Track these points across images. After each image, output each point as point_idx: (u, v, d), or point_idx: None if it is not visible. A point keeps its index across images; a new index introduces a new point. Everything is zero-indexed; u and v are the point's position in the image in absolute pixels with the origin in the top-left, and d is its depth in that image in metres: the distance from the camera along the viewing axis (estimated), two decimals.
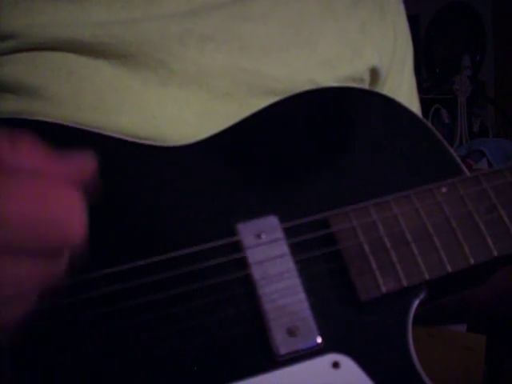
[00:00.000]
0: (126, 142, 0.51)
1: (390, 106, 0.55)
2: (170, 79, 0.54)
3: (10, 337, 0.36)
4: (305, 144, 0.53)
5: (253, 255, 0.46)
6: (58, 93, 0.52)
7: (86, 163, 0.38)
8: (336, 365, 0.43)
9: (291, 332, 0.44)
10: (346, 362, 0.43)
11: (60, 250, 0.36)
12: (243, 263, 0.46)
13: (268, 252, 0.46)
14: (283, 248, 0.46)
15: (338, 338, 0.44)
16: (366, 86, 0.63)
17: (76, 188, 0.36)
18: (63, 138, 0.51)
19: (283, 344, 0.43)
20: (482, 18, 2.76)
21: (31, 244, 0.34)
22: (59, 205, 0.35)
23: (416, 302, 0.46)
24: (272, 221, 0.48)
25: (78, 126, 0.51)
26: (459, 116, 2.46)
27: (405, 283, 0.46)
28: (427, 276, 0.46)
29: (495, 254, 0.47)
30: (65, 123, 0.51)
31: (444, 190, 0.49)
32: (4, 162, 0.34)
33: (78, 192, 0.36)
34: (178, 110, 0.54)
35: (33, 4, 0.52)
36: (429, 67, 2.86)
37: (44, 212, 0.34)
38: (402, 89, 0.69)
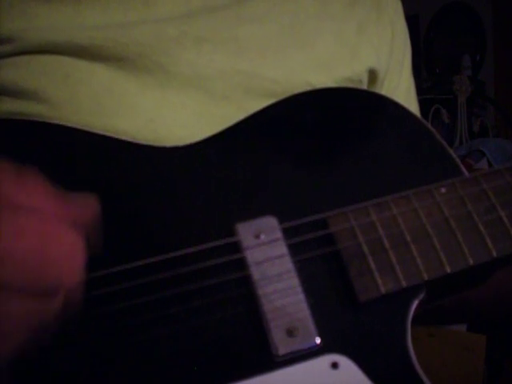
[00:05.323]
0: (123, 142, 0.51)
1: (389, 106, 0.55)
2: (166, 82, 0.54)
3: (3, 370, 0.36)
4: (303, 145, 0.53)
5: (252, 255, 0.46)
6: (55, 96, 0.52)
7: (89, 207, 0.38)
8: (335, 365, 0.43)
9: (290, 332, 0.44)
10: (344, 362, 0.43)
11: (55, 291, 0.36)
12: (242, 263, 0.46)
13: (267, 252, 0.46)
14: (282, 248, 0.46)
15: (337, 339, 0.44)
16: (363, 87, 0.63)
17: (77, 231, 0.36)
18: (61, 138, 0.51)
19: (282, 344, 0.43)
20: (482, 18, 2.76)
21: (26, 282, 0.34)
22: (59, 246, 0.35)
23: (415, 303, 0.46)
24: (271, 221, 0.47)
25: (76, 127, 0.51)
26: (459, 116, 2.46)
27: (404, 284, 0.46)
28: (426, 276, 0.46)
29: (494, 254, 0.47)
30: (62, 123, 0.51)
31: (443, 190, 0.49)
32: (8, 197, 0.34)
33: (79, 235, 0.36)
34: (175, 113, 0.54)
35: (29, 8, 0.52)
36: (429, 67, 2.86)
37: (43, 252, 0.34)
38: (400, 89, 0.69)
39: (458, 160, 0.52)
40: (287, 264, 0.46)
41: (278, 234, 0.47)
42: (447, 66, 2.77)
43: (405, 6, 0.71)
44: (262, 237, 0.47)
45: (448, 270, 0.46)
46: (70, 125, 0.51)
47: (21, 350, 0.35)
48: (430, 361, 1.42)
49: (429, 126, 0.54)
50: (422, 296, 0.46)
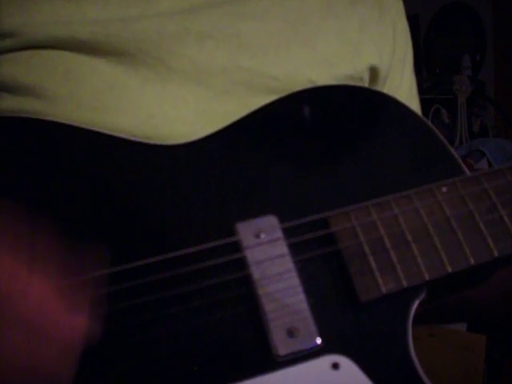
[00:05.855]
0: (123, 140, 0.51)
1: (390, 104, 0.55)
2: (168, 77, 0.54)
3: None
4: (304, 143, 0.52)
5: (252, 255, 0.46)
6: (55, 92, 0.51)
7: (98, 260, 0.39)
8: (336, 366, 0.43)
9: (291, 333, 0.43)
10: (345, 362, 0.43)
11: (49, 344, 0.36)
12: (242, 263, 0.46)
13: (267, 252, 0.46)
14: (283, 248, 0.46)
15: (338, 339, 0.44)
16: (365, 85, 0.63)
17: (83, 285, 0.38)
18: (60, 136, 0.50)
19: (283, 345, 0.43)
20: (482, 18, 2.76)
21: (24, 325, 0.35)
22: (59, 300, 0.36)
23: (416, 303, 0.46)
24: (271, 220, 0.47)
25: (75, 124, 0.50)
26: (459, 116, 2.45)
27: (405, 284, 0.45)
28: (427, 276, 0.46)
29: (496, 254, 0.47)
30: (62, 121, 0.50)
31: (444, 189, 0.49)
32: (15, 241, 0.35)
33: (84, 289, 0.37)
34: (177, 109, 0.54)
35: (30, 2, 0.52)
36: (429, 67, 2.86)
37: (41, 304, 0.35)
38: (402, 88, 0.69)
39: (459, 159, 0.52)
40: (288, 264, 0.46)
41: (279, 234, 0.47)
42: (447, 65, 2.76)
43: (405, 6, 0.70)
44: (263, 236, 0.46)
45: (449, 269, 0.46)
46: (69, 122, 0.51)
47: None
48: (430, 361, 1.42)
49: (430, 124, 0.53)
50: (422, 296, 0.46)
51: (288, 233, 0.47)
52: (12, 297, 0.34)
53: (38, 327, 0.35)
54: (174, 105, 0.54)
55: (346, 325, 0.45)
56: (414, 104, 0.71)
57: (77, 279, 0.37)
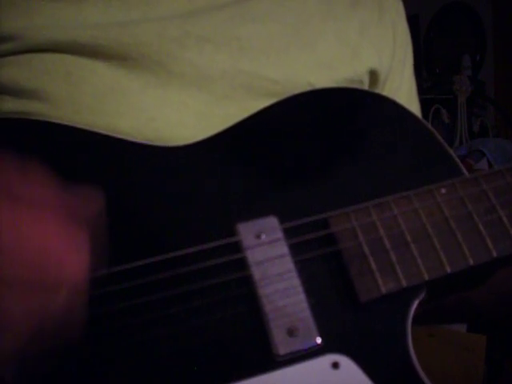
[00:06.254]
0: (125, 141, 0.51)
1: (389, 107, 0.55)
2: (168, 81, 0.54)
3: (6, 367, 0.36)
4: (304, 145, 0.53)
5: (252, 255, 0.46)
6: (56, 95, 0.52)
7: (93, 200, 0.37)
8: (335, 365, 0.43)
9: (291, 332, 0.44)
10: (345, 362, 0.43)
11: (56, 287, 0.35)
12: (243, 263, 0.46)
13: (268, 252, 0.46)
14: (283, 248, 0.46)
15: (338, 339, 0.44)
16: (365, 87, 0.63)
17: (80, 225, 0.36)
18: (62, 137, 0.51)
19: (283, 344, 0.43)
20: (482, 18, 2.76)
21: (25, 277, 0.34)
22: (60, 240, 0.35)
23: (415, 303, 0.46)
24: (272, 221, 0.48)
25: (77, 126, 0.51)
26: (459, 116, 2.45)
27: (404, 284, 0.46)
28: (427, 277, 0.46)
29: (494, 254, 0.47)
30: (63, 123, 0.51)
31: (444, 190, 0.49)
32: (9, 187, 0.34)
33: (82, 229, 0.36)
34: (177, 112, 0.54)
35: (30, 6, 0.52)
36: (429, 67, 2.86)
37: (43, 246, 0.34)
38: (402, 90, 0.69)
39: (458, 160, 0.52)
40: (288, 264, 0.46)
41: (279, 234, 0.47)
42: (447, 65, 2.76)
43: (405, 6, 0.71)
44: (263, 237, 0.47)
45: (448, 270, 0.46)
46: (70, 124, 0.51)
47: (22, 348, 0.35)
48: (430, 361, 1.42)
49: (429, 126, 0.54)
50: (422, 296, 0.46)
51: (288, 233, 0.47)
52: (13, 241, 0.34)
53: (42, 269, 0.34)
54: (174, 108, 0.54)
55: (345, 324, 0.45)
56: (413, 105, 0.71)
57: (76, 218, 0.36)
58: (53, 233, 0.34)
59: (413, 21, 2.76)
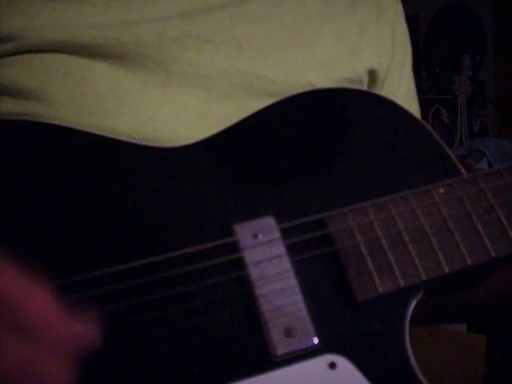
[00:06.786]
0: (123, 142, 0.51)
1: (387, 107, 0.55)
2: (167, 81, 0.54)
3: None
4: (302, 145, 0.53)
5: (250, 255, 0.46)
6: (56, 95, 0.52)
7: (89, 329, 0.38)
8: (333, 365, 0.43)
9: (288, 332, 0.44)
10: (342, 362, 0.43)
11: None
12: (240, 264, 0.46)
13: (265, 252, 0.46)
14: (280, 248, 0.46)
15: (335, 339, 0.44)
16: (364, 87, 0.63)
17: (72, 362, 0.37)
18: (60, 138, 0.51)
19: (280, 344, 0.43)
20: (482, 18, 2.76)
21: None
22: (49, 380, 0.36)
23: (413, 303, 0.46)
24: (269, 221, 0.48)
25: (75, 127, 0.51)
26: (459, 116, 2.45)
27: (402, 284, 0.46)
28: (424, 277, 0.46)
29: (493, 254, 0.47)
30: (63, 124, 0.51)
31: (441, 190, 0.49)
32: (10, 315, 0.35)
33: (72, 367, 0.37)
34: (176, 112, 0.54)
35: (30, 6, 0.52)
36: (429, 67, 2.86)
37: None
38: (401, 90, 0.69)
39: (456, 160, 0.52)
40: (285, 264, 0.46)
41: (276, 234, 0.47)
42: (447, 65, 2.77)
43: (405, 6, 0.71)
44: (260, 237, 0.47)
45: (446, 269, 0.46)
46: (68, 125, 0.51)
47: None
48: (430, 361, 1.42)
49: (427, 126, 0.54)
50: (419, 296, 0.46)
51: (286, 233, 0.47)
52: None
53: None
54: (173, 108, 0.54)
55: (343, 324, 0.45)
56: (412, 105, 0.71)
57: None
58: (42, 370, 0.36)
59: (413, 21, 2.76)
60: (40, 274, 0.37)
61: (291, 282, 0.45)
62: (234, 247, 0.47)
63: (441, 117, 2.48)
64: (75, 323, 0.38)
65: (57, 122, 0.51)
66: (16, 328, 0.35)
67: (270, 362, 0.43)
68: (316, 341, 0.44)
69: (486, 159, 2.09)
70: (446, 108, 2.49)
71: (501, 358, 1.74)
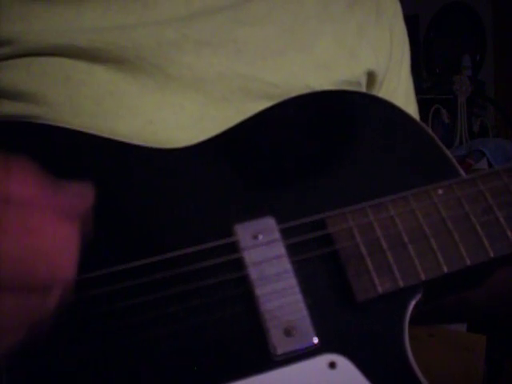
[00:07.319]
0: (123, 143, 0.51)
1: (386, 109, 0.55)
2: (166, 84, 0.54)
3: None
4: (301, 146, 0.53)
5: (250, 256, 0.46)
6: (55, 98, 0.52)
7: (83, 195, 0.37)
8: (332, 365, 0.44)
9: (288, 332, 0.44)
10: (342, 362, 0.44)
11: (48, 286, 0.35)
12: (240, 264, 0.46)
13: (265, 253, 0.46)
14: (280, 249, 0.47)
15: (335, 339, 0.45)
16: (362, 89, 0.63)
17: (69, 222, 0.36)
18: (60, 139, 0.51)
19: (280, 344, 0.43)
20: (482, 18, 2.76)
21: (18, 279, 0.34)
22: (49, 239, 0.34)
23: (412, 303, 0.46)
24: (269, 222, 0.48)
25: (75, 128, 0.51)
26: (459, 116, 2.46)
27: (401, 284, 0.46)
28: (423, 277, 0.46)
29: (491, 254, 0.47)
30: (62, 125, 0.51)
31: (440, 191, 0.49)
32: None
33: (72, 226, 0.36)
34: (175, 115, 0.54)
35: (29, 10, 0.52)
36: (429, 67, 2.86)
37: (32, 247, 0.34)
38: (399, 91, 0.69)
39: (455, 161, 0.52)
40: (285, 264, 0.46)
41: (276, 235, 0.47)
42: (447, 65, 2.77)
43: (405, 6, 0.71)
44: (260, 237, 0.47)
45: (445, 270, 0.46)
46: (68, 126, 0.51)
47: (15, 345, 0.35)
48: (430, 361, 1.42)
49: (425, 127, 0.54)
50: (419, 297, 0.47)
51: (286, 234, 0.47)
52: (1, 242, 0.33)
53: (32, 270, 0.34)
54: (172, 111, 0.54)
55: (342, 324, 0.45)
56: (411, 106, 0.71)
57: (66, 217, 0.36)
58: (40, 232, 0.34)
59: (413, 21, 2.76)
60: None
61: (291, 282, 0.45)
62: (234, 247, 0.47)
63: (441, 117, 2.48)
64: (65, 189, 0.36)
65: (56, 124, 0.51)
66: (2, 199, 0.34)
67: (269, 361, 0.43)
68: (316, 340, 0.44)
69: (486, 159, 2.09)
70: (446, 108, 2.49)
71: (501, 357, 1.74)
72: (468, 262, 0.47)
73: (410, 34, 0.72)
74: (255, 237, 0.47)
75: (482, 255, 0.47)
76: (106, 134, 0.51)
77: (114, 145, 0.51)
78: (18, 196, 0.34)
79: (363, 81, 0.63)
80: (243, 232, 0.47)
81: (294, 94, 0.55)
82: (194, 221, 0.49)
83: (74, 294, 0.38)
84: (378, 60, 0.64)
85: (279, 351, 0.43)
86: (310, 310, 0.45)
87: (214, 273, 0.46)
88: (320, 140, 0.53)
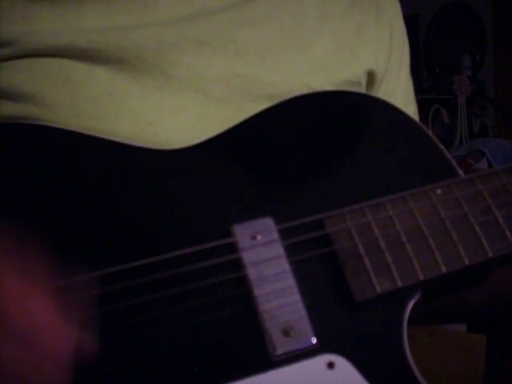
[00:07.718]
0: (123, 145, 0.51)
1: (386, 109, 0.55)
2: (166, 85, 0.54)
3: None
4: (300, 146, 0.53)
5: (248, 256, 0.46)
6: (55, 99, 0.52)
7: (86, 333, 0.40)
8: (331, 365, 0.44)
9: (286, 332, 0.44)
10: (340, 362, 0.44)
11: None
12: (239, 264, 0.46)
13: (263, 253, 0.46)
14: (278, 249, 0.47)
15: (333, 339, 0.45)
16: (362, 89, 0.63)
17: (67, 364, 0.38)
18: (60, 141, 0.51)
19: (279, 344, 0.44)
20: (482, 18, 2.76)
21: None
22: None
23: (411, 303, 0.46)
24: (267, 222, 0.48)
25: (75, 130, 0.51)
26: (459, 116, 2.45)
27: (399, 284, 0.46)
28: (422, 277, 0.46)
29: (490, 254, 0.47)
30: (61, 127, 0.51)
31: (439, 191, 0.49)
32: (4, 317, 0.36)
33: (68, 370, 0.38)
34: (175, 116, 0.54)
35: (29, 11, 0.52)
36: (429, 67, 2.86)
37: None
38: (399, 91, 0.69)
39: (453, 161, 0.52)
40: (283, 264, 0.46)
41: (275, 235, 0.47)
42: (447, 65, 2.77)
43: (405, 6, 0.71)
44: (259, 238, 0.47)
45: (443, 269, 0.46)
46: (68, 128, 0.51)
47: None
48: (430, 361, 1.42)
49: (424, 128, 0.54)
50: (417, 297, 0.47)
51: (284, 234, 0.47)
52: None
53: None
54: (172, 112, 0.54)
55: (341, 324, 0.45)
56: (410, 106, 0.71)
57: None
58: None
59: (413, 21, 2.76)
60: (40, 274, 0.37)
61: (289, 282, 0.45)
62: (233, 248, 0.47)
63: (441, 117, 2.48)
64: (71, 327, 0.38)
65: (56, 125, 0.51)
66: (11, 331, 0.35)
67: (268, 361, 0.44)
68: (314, 341, 0.44)
69: (486, 159, 2.09)
70: (446, 108, 2.48)
71: (501, 357, 1.74)
72: (466, 262, 0.47)
73: (409, 34, 0.72)
74: (254, 237, 0.47)
75: (480, 255, 0.47)
76: (105, 136, 0.51)
77: (114, 146, 0.51)
78: (28, 328, 0.37)
79: (363, 80, 0.63)
80: (242, 232, 0.47)
81: (293, 94, 0.55)
82: (193, 221, 0.49)
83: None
84: (378, 60, 0.64)
85: (278, 351, 0.43)
86: (308, 311, 0.45)
87: (213, 273, 0.46)
88: (318, 140, 0.53)
